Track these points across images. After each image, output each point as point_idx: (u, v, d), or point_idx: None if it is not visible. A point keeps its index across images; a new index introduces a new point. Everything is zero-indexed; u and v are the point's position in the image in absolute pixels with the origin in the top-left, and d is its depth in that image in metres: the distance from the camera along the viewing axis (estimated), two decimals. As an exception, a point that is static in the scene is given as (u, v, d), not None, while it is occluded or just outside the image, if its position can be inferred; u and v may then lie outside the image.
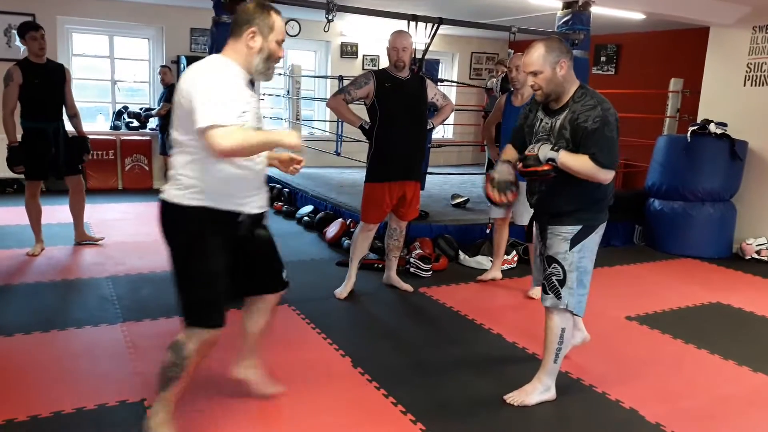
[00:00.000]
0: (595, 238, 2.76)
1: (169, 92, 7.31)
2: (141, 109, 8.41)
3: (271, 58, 2.26)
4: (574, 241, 2.72)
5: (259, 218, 2.40)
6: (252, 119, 2.22)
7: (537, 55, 2.63)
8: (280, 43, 2.27)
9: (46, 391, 2.79)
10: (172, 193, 2.23)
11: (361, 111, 4.10)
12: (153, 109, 8.24)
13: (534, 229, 2.99)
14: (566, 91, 2.67)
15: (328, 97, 9.36)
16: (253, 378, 2.73)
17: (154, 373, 3.00)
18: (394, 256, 4.46)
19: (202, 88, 2.09)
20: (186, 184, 2.20)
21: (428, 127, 4.24)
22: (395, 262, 4.49)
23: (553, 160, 2.61)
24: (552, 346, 2.83)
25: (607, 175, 2.61)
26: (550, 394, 2.90)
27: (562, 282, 2.74)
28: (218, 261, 2.27)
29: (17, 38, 4.80)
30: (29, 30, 4.64)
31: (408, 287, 4.45)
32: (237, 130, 2.06)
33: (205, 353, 2.36)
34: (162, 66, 7.81)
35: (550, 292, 2.78)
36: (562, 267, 2.73)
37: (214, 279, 2.28)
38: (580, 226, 2.71)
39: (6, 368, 2.99)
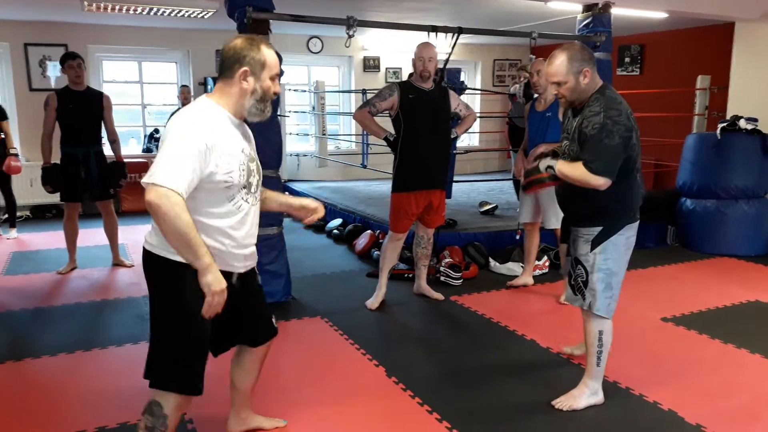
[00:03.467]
0: (619, 240, 2.72)
1: None
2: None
3: (266, 98, 2.07)
4: (595, 243, 2.72)
5: (251, 272, 2.27)
6: (237, 174, 2.02)
7: (559, 64, 2.63)
8: (274, 78, 2.08)
9: (91, 407, 2.87)
10: (154, 242, 2.01)
11: (386, 122, 4.16)
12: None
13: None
14: (589, 96, 2.68)
15: (353, 111, 9.47)
16: (254, 425, 2.62)
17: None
18: (423, 264, 4.48)
19: (168, 143, 1.90)
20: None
21: (452, 137, 4.28)
22: (425, 270, 4.51)
23: (551, 167, 2.72)
24: (592, 349, 2.84)
25: (598, 182, 2.57)
26: (598, 397, 2.90)
27: (585, 283, 2.77)
28: (202, 324, 2.02)
29: (59, 67, 5.05)
30: (67, 59, 4.91)
31: (439, 296, 4.46)
32: (177, 201, 1.83)
33: (184, 410, 2.19)
34: (183, 86, 7.94)
35: (576, 293, 2.83)
36: (585, 268, 2.76)
37: (196, 341, 2.06)
38: (600, 228, 2.71)
39: (52, 387, 3.09)
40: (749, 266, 5.47)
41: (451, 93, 4.27)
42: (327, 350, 3.58)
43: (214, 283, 1.93)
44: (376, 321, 4.11)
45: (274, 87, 2.09)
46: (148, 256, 2.05)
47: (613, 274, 2.75)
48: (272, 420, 2.69)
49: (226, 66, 2.04)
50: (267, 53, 2.06)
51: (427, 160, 4.10)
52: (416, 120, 4.06)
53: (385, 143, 4.20)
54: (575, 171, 2.62)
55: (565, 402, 2.87)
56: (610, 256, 2.73)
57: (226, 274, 2.05)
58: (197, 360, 2.09)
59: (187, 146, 1.89)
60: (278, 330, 2.47)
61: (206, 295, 1.94)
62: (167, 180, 1.83)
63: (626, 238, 2.74)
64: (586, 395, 2.88)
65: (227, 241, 2.08)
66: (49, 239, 6.28)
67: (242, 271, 2.19)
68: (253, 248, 2.23)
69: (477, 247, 5.34)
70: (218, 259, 2.01)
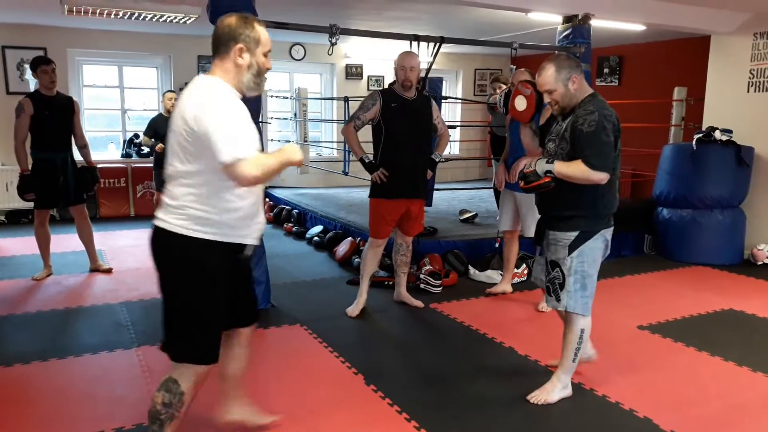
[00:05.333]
0: (595, 244, 2.87)
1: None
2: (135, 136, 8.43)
3: (261, 72, 2.18)
4: (572, 247, 2.86)
5: (255, 249, 2.35)
6: (257, 142, 2.18)
7: (548, 75, 2.81)
8: (267, 54, 2.19)
9: (64, 416, 2.83)
10: (175, 222, 2.11)
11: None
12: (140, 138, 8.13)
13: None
14: (579, 100, 2.85)
15: (335, 118, 9.48)
16: (247, 416, 2.63)
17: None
18: (403, 272, 4.49)
19: (215, 120, 1.99)
20: (192, 215, 2.10)
21: (437, 160, 4.29)
22: (404, 278, 4.52)
23: (550, 171, 2.78)
24: (572, 346, 2.97)
25: (600, 177, 2.72)
26: (568, 390, 3.05)
27: (562, 285, 2.90)
28: (221, 295, 2.19)
29: (29, 72, 4.97)
30: (41, 64, 4.81)
31: (419, 303, 4.47)
32: (259, 158, 2.02)
33: (199, 387, 2.26)
34: (170, 91, 7.52)
35: (552, 295, 2.96)
36: (562, 271, 2.89)
37: (216, 313, 2.20)
38: (576, 232, 2.85)
39: (24, 395, 3.04)
40: (723, 275, 5.56)
41: (433, 104, 4.29)
42: (306, 358, 3.57)
43: (291, 153, 2.14)
44: (355, 328, 4.10)
45: (267, 62, 2.19)
46: (168, 235, 2.13)
47: (588, 276, 2.91)
48: (266, 416, 2.69)
49: (222, 43, 2.13)
50: (260, 30, 2.15)
51: (406, 169, 4.11)
52: (397, 129, 4.07)
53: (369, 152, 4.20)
54: (575, 169, 2.74)
55: (539, 396, 3.00)
56: (586, 259, 2.88)
57: (240, 246, 2.21)
58: (217, 331, 2.23)
59: (235, 113, 2.05)
60: (259, 315, 2.58)
61: (299, 162, 2.16)
62: (244, 150, 1.99)
63: (602, 242, 2.90)
64: (558, 389, 3.01)
65: (242, 212, 2.18)
66: (24, 245, 6.19)
67: (256, 243, 2.29)
68: (263, 220, 2.33)
69: (457, 255, 5.36)
70: (232, 232, 2.16)
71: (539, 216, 3.11)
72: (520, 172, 2.94)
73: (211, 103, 2.03)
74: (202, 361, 2.20)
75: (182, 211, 2.11)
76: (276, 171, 2.11)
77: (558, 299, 2.92)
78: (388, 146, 4.09)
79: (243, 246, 2.23)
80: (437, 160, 4.30)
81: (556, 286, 2.91)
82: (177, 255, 2.15)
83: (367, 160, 4.13)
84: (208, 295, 2.16)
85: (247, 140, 2.03)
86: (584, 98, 2.83)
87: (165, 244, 2.16)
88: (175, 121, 2.08)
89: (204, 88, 2.10)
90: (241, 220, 2.18)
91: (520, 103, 3.15)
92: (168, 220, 2.13)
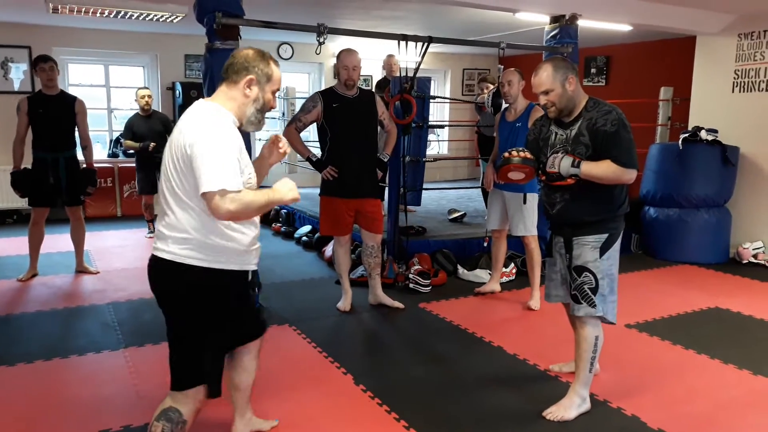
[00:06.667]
0: (618, 246, 2.82)
1: (151, 121, 6.59)
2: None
3: (265, 109, 2.19)
4: (603, 249, 2.77)
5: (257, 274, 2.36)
6: (250, 176, 2.17)
7: (546, 74, 2.73)
8: (274, 93, 2.21)
9: (50, 419, 2.80)
10: (183, 253, 2.06)
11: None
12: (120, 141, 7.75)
13: (554, 243, 2.97)
14: (578, 104, 2.77)
15: (323, 117, 9.43)
16: (257, 427, 2.68)
17: (157, 397, 3.01)
18: (376, 273, 4.41)
19: (206, 149, 1.96)
20: (200, 244, 2.06)
21: (384, 160, 4.23)
22: (378, 280, 4.44)
23: (576, 175, 2.68)
24: (587, 355, 2.84)
25: (631, 175, 2.67)
26: (587, 405, 2.91)
27: (595, 290, 2.77)
28: (229, 321, 2.19)
29: (14, 70, 4.98)
30: (39, 62, 4.86)
31: (398, 304, 4.41)
32: (242, 194, 1.97)
33: (198, 412, 2.22)
34: (144, 88, 6.86)
35: (583, 301, 2.79)
36: (594, 275, 2.76)
37: (225, 340, 2.22)
38: (606, 234, 2.77)
39: (9, 398, 3.01)
40: (710, 273, 5.61)
41: (378, 99, 4.23)
42: (295, 358, 3.56)
43: (285, 191, 2.13)
44: (344, 328, 4.10)
45: (273, 101, 2.21)
46: (174, 267, 2.07)
47: (615, 279, 2.84)
48: (268, 421, 2.73)
49: (234, 71, 2.13)
50: (274, 68, 2.18)
51: (351, 169, 4.06)
52: (341, 129, 4.03)
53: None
54: (606, 170, 2.66)
55: (556, 412, 2.85)
56: (614, 262, 2.81)
57: (244, 273, 2.21)
58: (223, 358, 2.25)
59: (228, 150, 1.99)
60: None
61: (294, 201, 2.15)
62: (229, 183, 1.94)
63: (619, 243, 2.83)
64: (576, 404, 2.87)
65: (246, 240, 2.18)
66: (8, 245, 6.12)
67: (256, 268, 2.30)
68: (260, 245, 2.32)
69: (445, 254, 5.37)
70: (237, 260, 2.15)
71: (552, 224, 2.94)
72: (542, 165, 2.81)
73: (207, 131, 2.00)
74: (213, 395, 2.19)
75: (188, 240, 2.06)
76: (261, 208, 2.07)
77: (592, 305, 2.76)
78: (333, 147, 4.06)
79: (247, 273, 2.23)
80: (385, 159, 4.24)
81: (587, 291, 2.77)
82: (197, 287, 2.09)
83: (314, 159, 4.12)
84: (219, 323, 2.15)
85: (232, 174, 1.96)
86: (587, 102, 2.76)
87: (171, 278, 2.09)
88: (174, 145, 2.04)
89: (204, 114, 2.07)
90: (246, 247, 2.18)
91: (516, 176, 2.97)
92: (173, 251, 2.06)
